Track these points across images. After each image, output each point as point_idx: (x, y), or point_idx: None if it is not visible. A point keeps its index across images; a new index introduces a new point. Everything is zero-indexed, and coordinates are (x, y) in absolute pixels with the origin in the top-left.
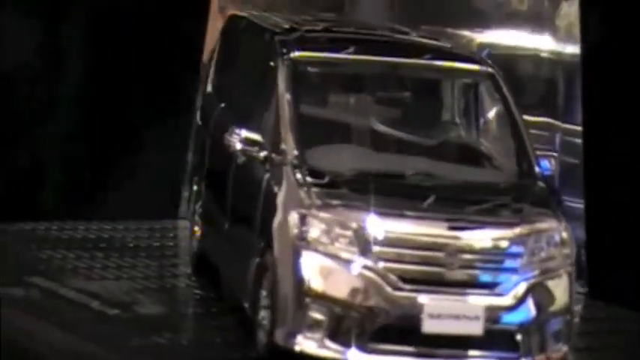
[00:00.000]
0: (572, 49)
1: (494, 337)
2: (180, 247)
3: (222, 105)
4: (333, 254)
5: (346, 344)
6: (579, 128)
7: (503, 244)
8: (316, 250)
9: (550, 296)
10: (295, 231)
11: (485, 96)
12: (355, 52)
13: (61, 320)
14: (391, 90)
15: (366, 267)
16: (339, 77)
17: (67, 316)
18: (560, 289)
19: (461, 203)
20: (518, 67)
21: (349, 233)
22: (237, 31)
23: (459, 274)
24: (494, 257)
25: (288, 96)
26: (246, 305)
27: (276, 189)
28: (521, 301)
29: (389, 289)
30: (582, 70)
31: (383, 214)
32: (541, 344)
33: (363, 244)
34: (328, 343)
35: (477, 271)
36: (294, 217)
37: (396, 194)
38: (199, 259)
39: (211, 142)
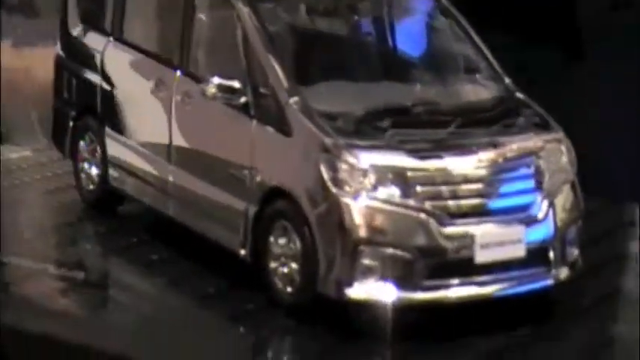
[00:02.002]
0: None
1: (531, 255)
2: (47, 180)
3: (115, 40)
4: (378, 198)
5: (401, 286)
6: None
7: (531, 164)
8: (359, 197)
9: (566, 207)
10: (331, 179)
11: (433, 17)
12: None
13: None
14: (347, 17)
15: (413, 208)
16: (295, 10)
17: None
18: (572, 198)
19: (478, 128)
20: None
21: (390, 176)
22: None
23: (499, 202)
24: (525, 180)
25: (262, 38)
26: (243, 252)
27: (279, 136)
28: (547, 217)
29: (440, 227)
30: None
31: (418, 152)
32: (562, 254)
33: (405, 185)
34: (383, 287)
35: (513, 197)
36: (326, 165)
37: (415, 129)
38: (104, 198)
39: (113, 79)
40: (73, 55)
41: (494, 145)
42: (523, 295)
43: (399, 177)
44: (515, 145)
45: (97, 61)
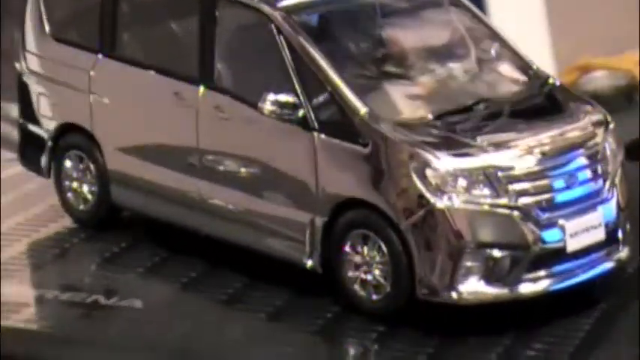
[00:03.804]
0: None
1: (607, 237)
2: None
3: (106, 56)
4: (472, 201)
5: (503, 282)
6: None
7: (596, 149)
8: (454, 201)
9: (622, 187)
10: (424, 186)
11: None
12: None
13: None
14: (380, 20)
15: (507, 206)
16: (330, 20)
17: None
18: (623, 177)
19: (542, 121)
20: None
21: (480, 177)
22: None
23: (579, 190)
24: (595, 165)
25: (316, 51)
26: (310, 263)
27: (351, 147)
28: (613, 198)
29: (534, 222)
30: None
31: (503, 151)
32: (624, 233)
33: (496, 184)
34: (483, 287)
35: (588, 183)
36: (417, 173)
37: (487, 127)
38: (101, 216)
39: (111, 95)
40: (44, 73)
41: (568, 136)
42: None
43: (490, 177)
44: (581, 132)
45: (85, 78)
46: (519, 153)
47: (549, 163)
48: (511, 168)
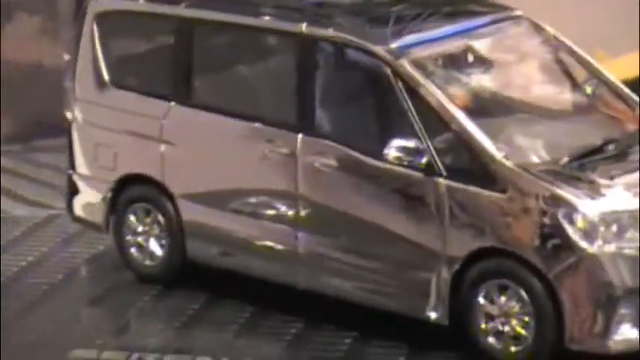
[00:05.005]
0: None
1: None
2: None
3: (180, 103)
4: (625, 245)
5: None
6: None
7: None
8: (607, 246)
9: None
10: (575, 232)
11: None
12: (431, 28)
13: None
14: (483, 52)
15: None
16: (443, 59)
17: None
18: None
19: None
20: None
21: (631, 221)
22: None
23: None
24: None
25: (437, 93)
26: (435, 316)
27: (486, 193)
28: None
29: None
30: None
31: None
32: None
33: None
34: (635, 334)
35: None
36: (566, 219)
37: (624, 169)
38: (172, 272)
39: (191, 145)
40: (101, 123)
41: None
42: None
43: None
44: None
45: (155, 126)
46: None
47: None
48: None
